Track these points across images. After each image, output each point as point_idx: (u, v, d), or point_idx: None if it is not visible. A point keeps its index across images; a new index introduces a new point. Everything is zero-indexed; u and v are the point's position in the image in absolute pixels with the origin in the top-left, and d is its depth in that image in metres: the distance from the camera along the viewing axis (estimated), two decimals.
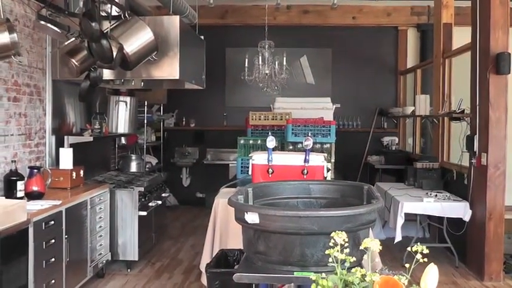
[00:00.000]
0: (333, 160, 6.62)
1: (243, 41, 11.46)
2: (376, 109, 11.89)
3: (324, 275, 1.73)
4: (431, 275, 1.74)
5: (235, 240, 4.96)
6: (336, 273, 1.74)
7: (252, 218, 2.76)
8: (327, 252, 1.76)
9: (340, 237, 1.74)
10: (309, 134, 5.88)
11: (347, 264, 1.75)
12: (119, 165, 8.95)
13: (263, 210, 2.85)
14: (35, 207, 5.11)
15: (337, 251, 1.72)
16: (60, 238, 5.47)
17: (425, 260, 1.76)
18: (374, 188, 3.47)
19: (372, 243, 1.74)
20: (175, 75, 6.24)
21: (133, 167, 8.74)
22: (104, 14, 5.66)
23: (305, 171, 5.00)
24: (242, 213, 2.83)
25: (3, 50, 4.82)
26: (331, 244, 1.76)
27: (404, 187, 8.52)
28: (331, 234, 1.77)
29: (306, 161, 5.02)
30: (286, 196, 3.69)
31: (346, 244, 1.75)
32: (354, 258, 1.76)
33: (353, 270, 1.74)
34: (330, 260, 1.74)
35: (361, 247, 1.78)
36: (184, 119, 12.31)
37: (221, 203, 5.52)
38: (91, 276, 6.35)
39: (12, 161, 5.70)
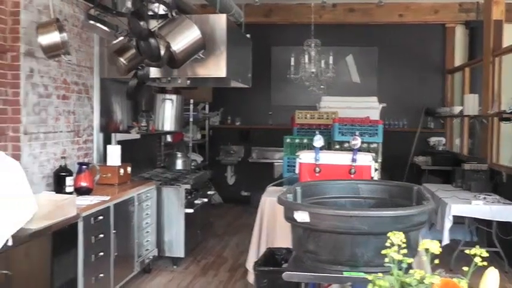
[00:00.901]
0: (379, 160, 6.56)
1: (288, 39, 11.45)
2: (422, 109, 11.72)
3: (380, 275, 1.71)
4: (491, 278, 1.71)
5: (282, 239, 4.95)
6: (392, 274, 1.72)
7: (302, 216, 2.75)
8: (383, 252, 1.75)
9: (397, 237, 1.73)
10: (357, 134, 5.84)
11: (404, 265, 1.74)
12: (165, 163, 9.01)
13: (313, 209, 2.85)
14: (84, 202, 5.19)
15: (395, 251, 1.71)
16: (109, 233, 5.54)
17: (485, 263, 1.73)
18: (424, 189, 3.43)
19: (431, 245, 1.72)
20: (222, 73, 6.27)
21: (179, 164, 8.78)
22: (151, 13, 5.72)
23: (352, 170, 4.96)
24: (292, 211, 2.82)
25: (54, 49, 4.92)
26: (387, 244, 1.75)
27: (452, 189, 8.37)
28: (388, 234, 1.76)
29: (353, 160, 4.99)
30: (334, 195, 3.67)
31: (404, 245, 1.73)
32: (412, 260, 1.75)
33: (411, 271, 1.72)
34: (387, 260, 1.73)
35: (420, 248, 1.76)
36: (229, 117, 12.35)
37: (268, 202, 5.52)
38: (138, 271, 6.43)
39: (61, 157, 5.79)
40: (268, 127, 11.97)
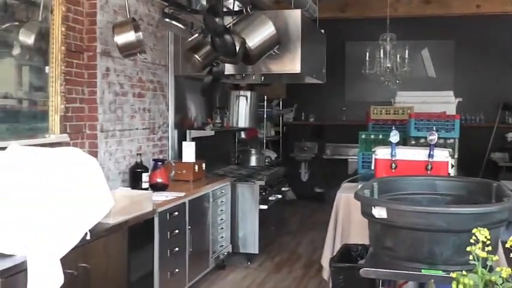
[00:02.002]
0: (456, 156, 6.41)
1: (362, 34, 11.25)
2: (500, 103, 11.36)
3: (464, 273, 1.65)
4: None
5: (357, 236, 4.91)
6: (475, 272, 1.66)
7: (379, 212, 2.71)
8: (468, 249, 1.69)
9: (482, 234, 1.66)
10: (434, 129, 5.71)
11: (489, 263, 1.67)
12: (239, 159, 9.04)
13: (391, 205, 2.80)
14: (159, 198, 5.25)
15: (479, 248, 1.64)
16: (184, 229, 5.59)
17: None
18: (504, 186, 3.32)
19: None
20: (297, 69, 6.23)
21: (253, 161, 8.79)
22: (225, 9, 5.74)
23: (429, 166, 4.86)
24: (369, 207, 2.78)
25: (130, 48, 4.99)
26: (471, 241, 1.69)
27: None
28: (473, 231, 1.70)
29: (430, 156, 4.89)
30: (410, 192, 3.61)
31: (488, 242, 1.67)
32: (497, 257, 1.68)
33: (497, 269, 1.66)
34: (470, 257, 1.67)
35: (507, 245, 1.69)
36: (303, 114, 12.32)
37: (343, 198, 5.47)
38: (212, 267, 6.46)
39: (137, 154, 5.87)
40: (342, 123, 11.85)
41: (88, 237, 3.53)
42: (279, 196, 7.90)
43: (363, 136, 6.57)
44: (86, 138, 5.27)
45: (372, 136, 6.55)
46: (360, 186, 3.35)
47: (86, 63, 5.25)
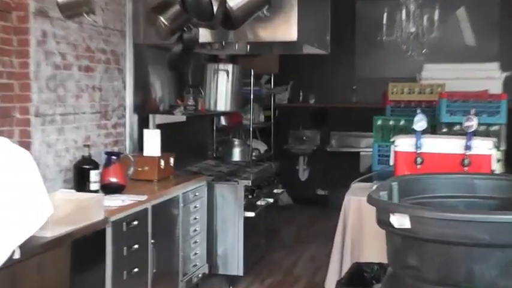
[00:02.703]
0: (503, 148, 6.43)
1: None
2: None
3: None
4: None
5: (371, 251, 4.92)
6: None
7: (400, 221, 2.70)
8: None
9: None
10: (471, 113, 5.72)
11: None
12: (218, 153, 9.06)
13: (415, 211, 2.78)
14: (113, 203, 5.19)
15: None
16: (145, 243, 5.56)
17: None
18: None
19: None
20: (293, 36, 6.19)
21: (237, 154, 8.79)
22: None
23: (466, 161, 4.88)
24: (387, 214, 2.77)
25: (74, 7, 4.93)
26: None
27: None
28: None
29: (467, 147, 4.90)
30: (441, 194, 3.65)
31: None
32: None
33: None
34: None
35: None
36: (301, 94, 12.33)
37: (353, 202, 5.47)
38: None
39: (84, 146, 5.82)
40: (352, 106, 11.89)
41: (17, 256, 3.48)
42: (270, 200, 7.93)
43: (379, 122, 6.60)
44: (16, 125, 5.22)
45: (391, 122, 6.59)
46: (374, 187, 3.34)
47: (16, 26, 5.19)
